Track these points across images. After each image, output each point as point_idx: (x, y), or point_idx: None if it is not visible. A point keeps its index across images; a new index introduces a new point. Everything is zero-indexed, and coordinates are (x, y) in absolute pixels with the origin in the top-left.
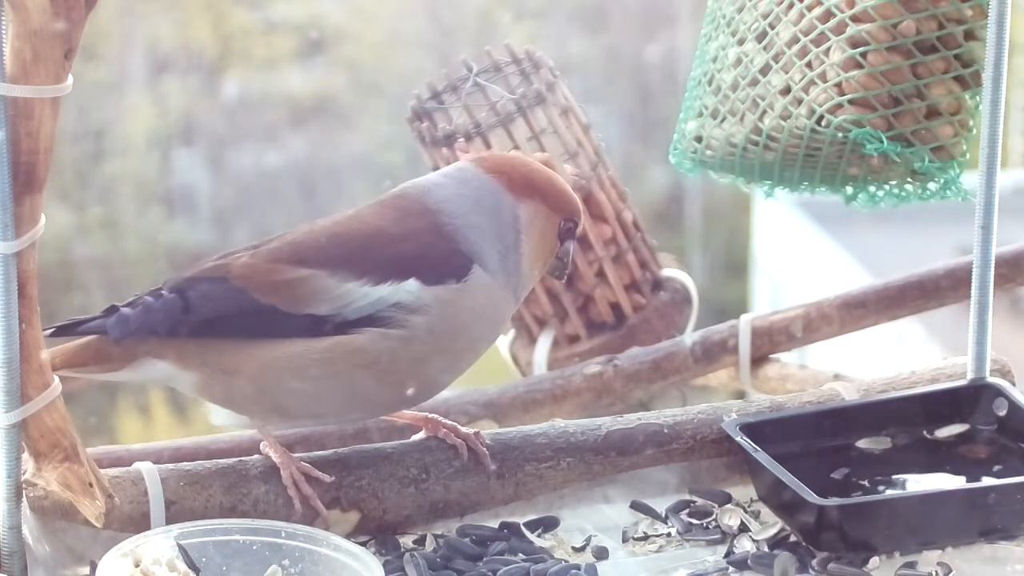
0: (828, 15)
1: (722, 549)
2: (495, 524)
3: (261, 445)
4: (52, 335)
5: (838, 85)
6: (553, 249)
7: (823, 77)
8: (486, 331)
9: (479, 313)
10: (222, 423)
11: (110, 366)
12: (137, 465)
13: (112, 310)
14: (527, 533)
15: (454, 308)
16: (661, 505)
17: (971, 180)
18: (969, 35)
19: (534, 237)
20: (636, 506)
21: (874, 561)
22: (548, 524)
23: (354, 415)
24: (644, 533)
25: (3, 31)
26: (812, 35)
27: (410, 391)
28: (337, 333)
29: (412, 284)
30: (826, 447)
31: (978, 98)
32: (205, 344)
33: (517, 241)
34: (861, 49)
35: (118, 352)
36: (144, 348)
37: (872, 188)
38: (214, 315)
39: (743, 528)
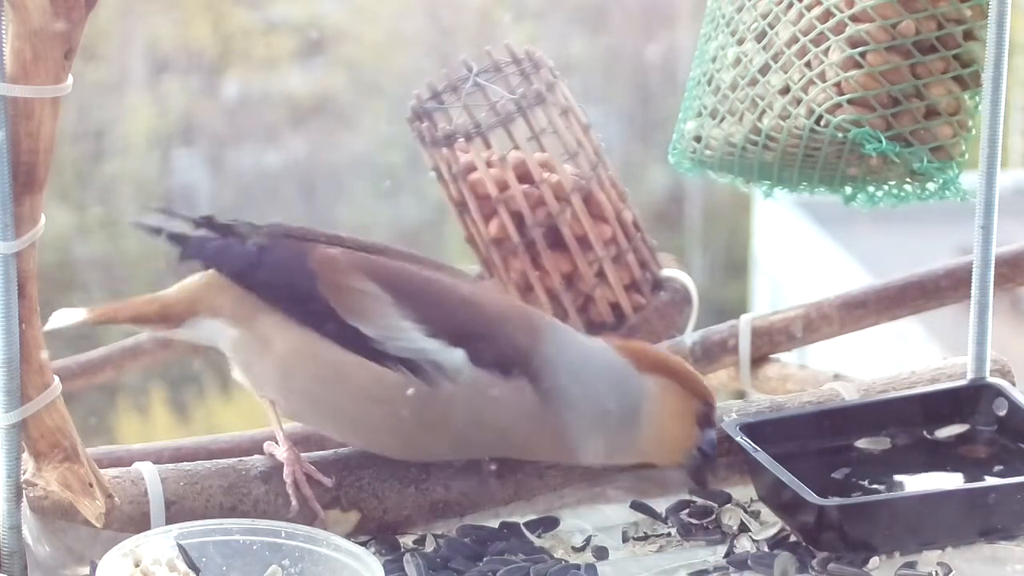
0: (827, 15)
1: (722, 549)
2: (495, 524)
3: (265, 444)
4: (152, 231)
5: (837, 85)
6: (690, 435)
7: (822, 77)
8: (509, 437)
9: (507, 419)
10: (240, 379)
11: (169, 323)
12: (137, 465)
13: (206, 222)
14: (527, 533)
15: (481, 399)
16: (661, 505)
17: (971, 180)
18: (968, 35)
19: (663, 413)
20: (636, 506)
21: (874, 561)
22: (548, 524)
23: (346, 440)
24: (644, 533)
25: (3, 31)
26: (811, 35)
27: (406, 445)
28: (370, 358)
29: (459, 354)
30: (826, 447)
31: (977, 98)
32: (259, 306)
33: (636, 407)
34: (860, 49)
35: (177, 309)
36: (204, 296)
37: (871, 188)
38: (278, 282)
39: (743, 528)
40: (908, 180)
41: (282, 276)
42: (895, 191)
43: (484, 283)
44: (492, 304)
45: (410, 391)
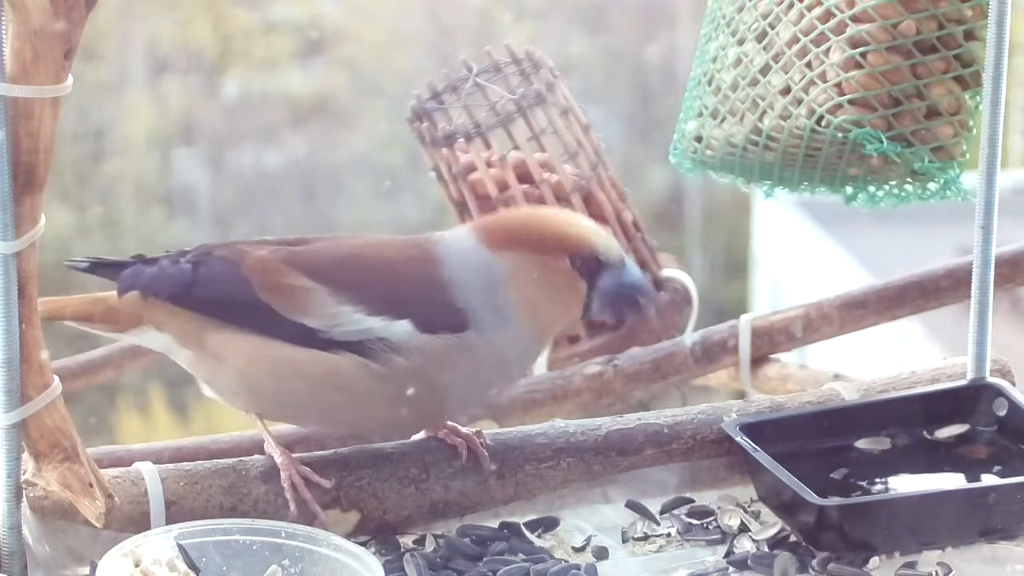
0: (828, 15)
1: (722, 549)
2: (495, 524)
3: (265, 445)
4: (83, 271)
5: (838, 85)
6: (573, 289)
7: (823, 77)
8: (473, 391)
9: (468, 372)
10: (211, 395)
11: (116, 326)
12: (137, 465)
13: (137, 259)
14: (527, 533)
15: (437, 363)
16: (660, 505)
17: (971, 180)
18: (969, 35)
19: (529, 287)
20: (631, 506)
21: (874, 561)
22: (548, 524)
23: (327, 429)
24: (644, 533)
25: (3, 31)
26: (812, 35)
27: (379, 424)
28: (321, 349)
29: (405, 325)
30: (826, 447)
31: (978, 98)
32: (203, 324)
33: (501, 296)
34: (861, 49)
35: (124, 314)
36: (148, 316)
37: (872, 188)
38: (215, 296)
39: (743, 528)
40: (909, 180)
41: (218, 288)
42: (896, 191)
43: (382, 241)
44: (403, 261)
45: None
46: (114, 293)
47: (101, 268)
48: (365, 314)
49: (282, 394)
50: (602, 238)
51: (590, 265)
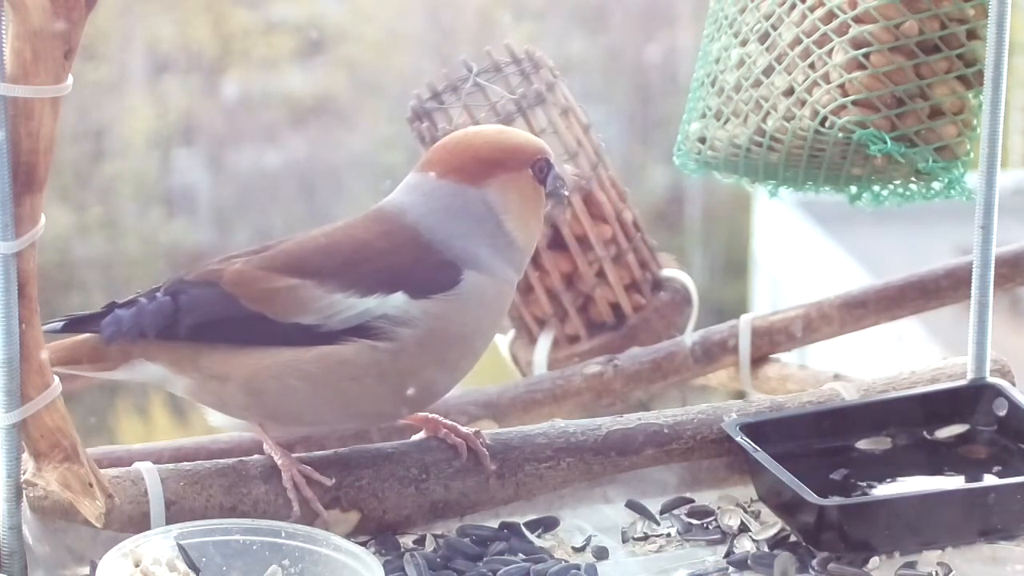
0: (831, 16)
1: (722, 549)
2: (495, 524)
3: (264, 445)
4: (60, 331)
5: (841, 86)
6: (539, 197)
7: (826, 78)
8: (485, 331)
9: (475, 318)
10: (220, 424)
11: (105, 365)
12: (137, 465)
13: (111, 307)
14: (527, 533)
15: (444, 320)
16: (660, 505)
17: (971, 180)
18: (971, 34)
19: (514, 206)
20: (631, 506)
21: (874, 561)
22: (548, 524)
23: (347, 424)
24: (644, 533)
25: (3, 31)
26: (815, 36)
27: (403, 401)
28: (325, 343)
29: (400, 297)
30: (826, 447)
31: (981, 97)
32: (197, 349)
33: (499, 224)
34: (864, 50)
35: (113, 352)
36: (138, 350)
37: (876, 188)
38: (204, 320)
39: (743, 528)
40: (913, 180)
41: (207, 312)
42: (900, 190)
43: (347, 223)
44: (375, 236)
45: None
46: (96, 335)
47: (75, 324)
48: (359, 297)
49: (295, 399)
50: (539, 140)
51: (544, 169)
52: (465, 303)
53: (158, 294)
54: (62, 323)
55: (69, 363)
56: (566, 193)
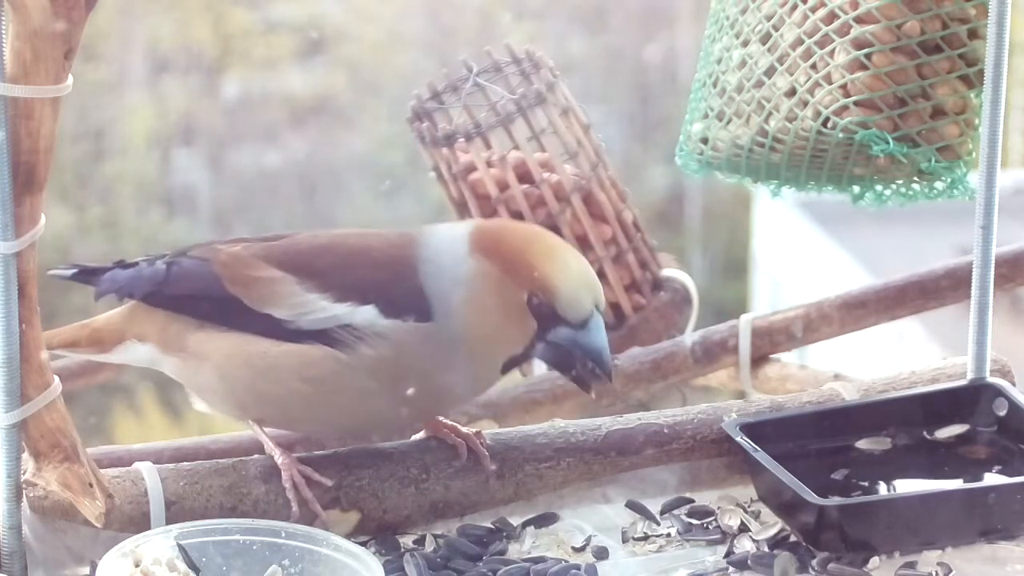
0: (832, 16)
1: (722, 549)
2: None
3: (264, 445)
4: (69, 278)
5: (843, 87)
6: (523, 330)
7: (828, 79)
8: (447, 383)
9: (432, 364)
10: (204, 409)
11: (101, 347)
12: (137, 465)
13: (118, 265)
14: (525, 532)
15: (408, 347)
16: (660, 505)
17: (972, 180)
18: (973, 34)
19: (481, 300)
20: (631, 506)
21: (874, 561)
22: (546, 520)
23: (305, 428)
24: (644, 533)
25: (3, 31)
26: (816, 37)
27: (358, 419)
28: (293, 341)
29: (369, 311)
30: (826, 447)
31: (983, 97)
32: (183, 327)
33: (460, 298)
34: (866, 50)
35: (108, 333)
36: (129, 328)
37: (879, 188)
38: (185, 293)
39: (743, 528)
40: (916, 179)
41: (190, 285)
42: (903, 190)
43: (363, 231)
44: (376, 247)
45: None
46: (98, 317)
47: (83, 275)
48: (331, 301)
49: (259, 391)
50: (571, 289)
51: (544, 311)
52: (422, 344)
53: (159, 261)
54: (72, 271)
55: (69, 346)
56: (596, 370)
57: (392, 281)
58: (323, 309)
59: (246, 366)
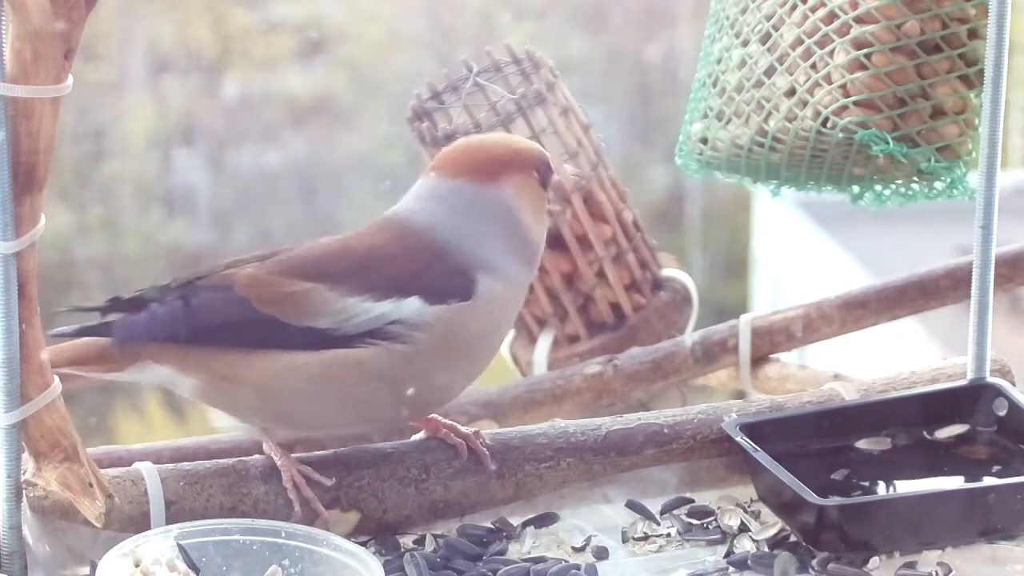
0: (832, 16)
1: (722, 549)
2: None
3: (264, 445)
4: (70, 336)
5: (843, 87)
6: (544, 199)
7: (828, 79)
8: (498, 333)
9: (489, 323)
10: (226, 424)
11: (112, 366)
12: (137, 465)
13: (115, 304)
14: (525, 532)
15: (458, 326)
16: (660, 505)
17: (972, 180)
18: (973, 34)
19: (527, 205)
20: (631, 506)
21: (874, 561)
22: (546, 520)
23: (356, 428)
24: (644, 533)
25: (3, 31)
26: (816, 37)
27: (414, 405)
28: (339, 347)
29: (415, 302)
30: (826, 447)
31: (983, 97)
32: (207, 351)
33: (516, 221)
34: (866, 50)
35: (120, 353)
36: (146, 351)
37: (879, 187)
38: (216, 323)
39: (743, 528)
40: (916, 179)
41: (217, 315)
42: (903, 190)
43: (358, 231)
44: (385, 241)
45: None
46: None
47: (88, 331)
48: (373, 301)
49: (309, 401)
50: (539, 145)
51: (546, 173)
52: (479, 309)
53: (168, 297)
54: (73, 330)
55: (77, 364)
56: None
57: (423, 268)
58: (367, 311)
59: (288, 381)
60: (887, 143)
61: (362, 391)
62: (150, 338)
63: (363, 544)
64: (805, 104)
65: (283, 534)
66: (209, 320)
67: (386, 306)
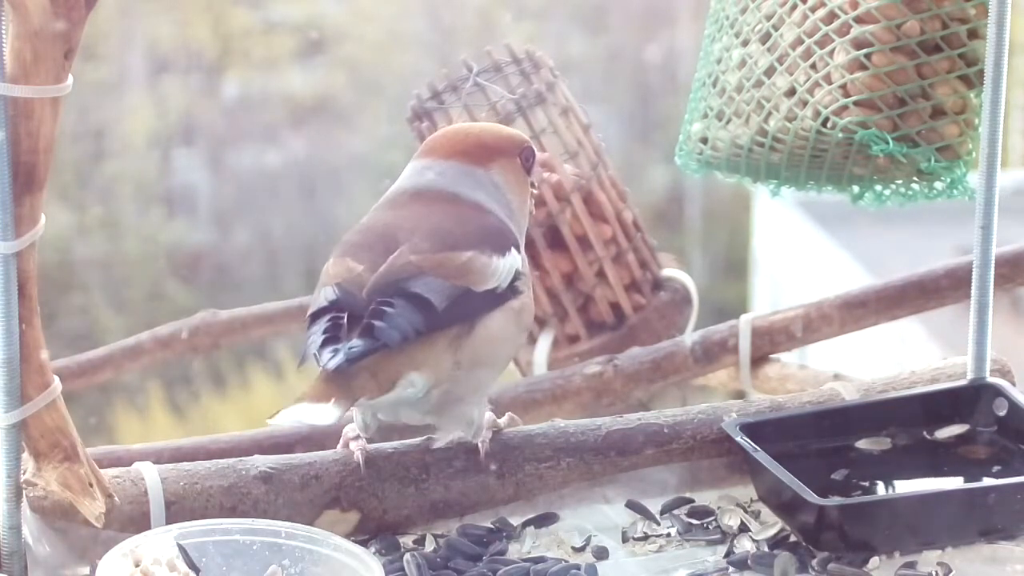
0: (832, 16)
1: (722, 549)
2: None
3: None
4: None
5: (843, 87)
6: (527, 185)
7: (828, 79)
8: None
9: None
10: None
11: (375, 391)
12: (137, 465)
13: (330, 338)
14: (525, 532)
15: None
16: (660, 505)
17: (972, 180)
18: (973, 34)
19: (513, 188)
20: (631, 506)
21: (874, 561)
22: (546, 519)
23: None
24: (644, 533)
25: (3, 31)
26: (816, 37)
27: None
28: (501, 303)
29: (515, 253)
30: (826, 447)
31: (983, 97)
32: (449, 343)
33: (507, 202)
34: (866, 50)
35: (383, 373)
36: (405, 363)
37: (879, 187)
38: (446, 303)
39: (743, 528)
40: (915, 179)
41: (438, 298)
42: (903, 190)
43: (394, 207)
44: (438, 209)
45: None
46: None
47: (356, 359)
48: (500, 257)
49: (507, 355)
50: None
51: (529, 159)
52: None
53: (390, 297)
54: (344, 359)
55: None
56: (536, 191)
57: (498, 222)
58: (504, 267)
59: (503, 343)
60: (887, 143)
61: (521, 337)
62: (374, 351)
63: (363, 544)
64: (805, 104)
65: (283, 534)
66: (441, 299)
67: (512, 257)
